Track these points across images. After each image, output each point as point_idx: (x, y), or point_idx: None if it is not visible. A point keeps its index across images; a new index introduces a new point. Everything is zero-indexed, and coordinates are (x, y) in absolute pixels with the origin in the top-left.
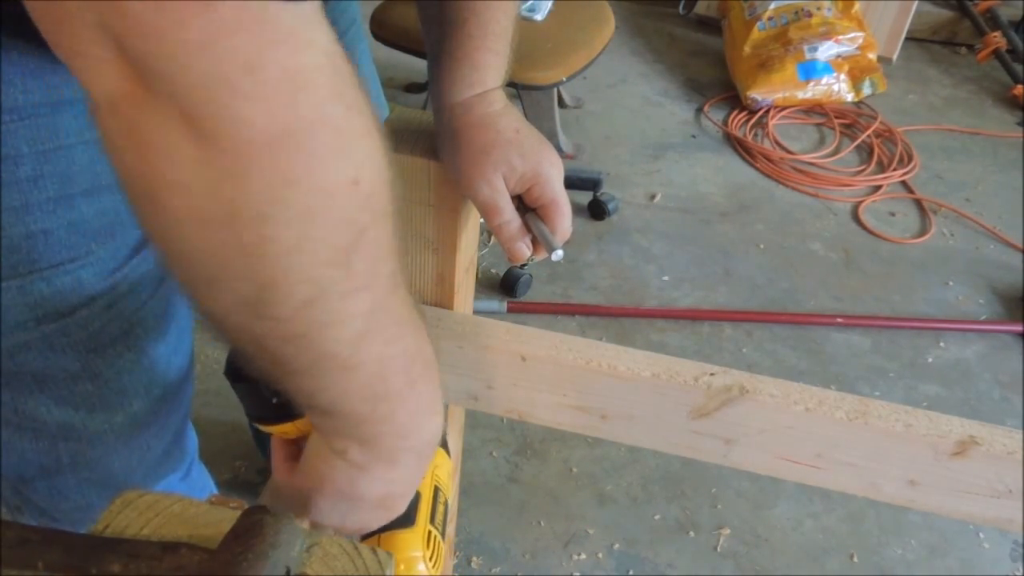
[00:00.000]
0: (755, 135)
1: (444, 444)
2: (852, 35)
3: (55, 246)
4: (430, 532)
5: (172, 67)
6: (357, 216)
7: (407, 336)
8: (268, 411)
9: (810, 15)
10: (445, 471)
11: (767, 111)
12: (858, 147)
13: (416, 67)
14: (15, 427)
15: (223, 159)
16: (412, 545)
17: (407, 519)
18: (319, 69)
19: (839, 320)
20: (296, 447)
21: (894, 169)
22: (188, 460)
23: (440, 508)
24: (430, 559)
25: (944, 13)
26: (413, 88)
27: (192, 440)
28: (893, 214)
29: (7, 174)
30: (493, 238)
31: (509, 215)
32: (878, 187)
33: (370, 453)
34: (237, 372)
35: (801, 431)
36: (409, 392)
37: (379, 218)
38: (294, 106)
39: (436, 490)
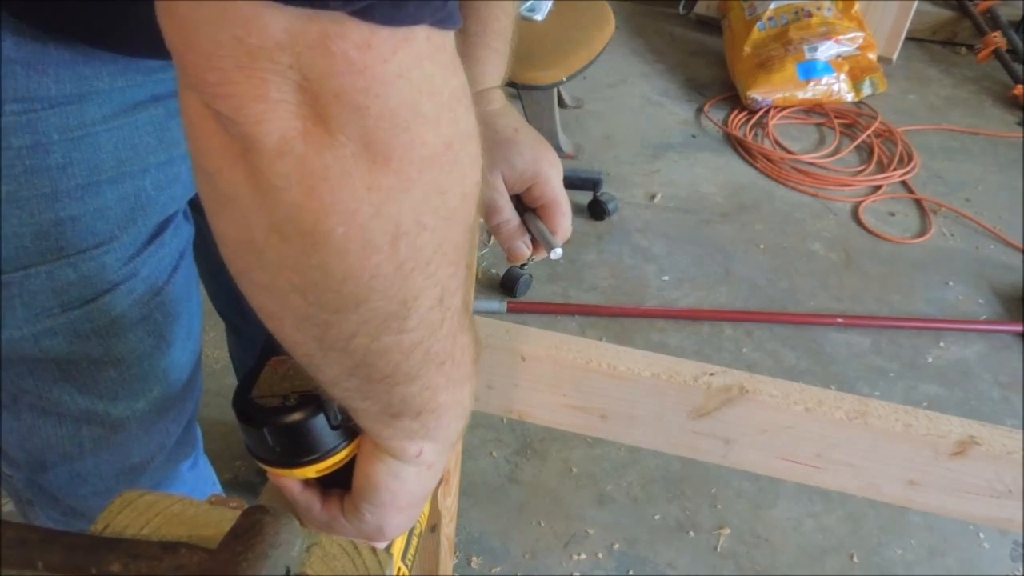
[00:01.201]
0: (755, 135)
1: None
2: (852, 35)
3: (82, 232)
4: (399, 570)
5: (365, 100)
6: (474, 216)
7: (470, 320)
8: (269, 455)
9: (810, 15)
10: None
11: (767, 111)
12: (858, 147)
13: None
14: (39, 412)
15: (391, 180)
16: None
17: None
18: (466, 85)
19: (839, 320)
20: (305, 484)
21: (894, 169)
22: (197, 448)
23: (413, 542)
24: None
25: (944, 13)
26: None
27: (198, 429)
28: (893, 214)
29: (38, 161)
30: (493, 238)
31: (508, 214)
32: (878, 187)
33: (439, 446)
34: (247, 413)
35: (801, 431)
36: (474, 372)
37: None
38: (456, 121)
39: None
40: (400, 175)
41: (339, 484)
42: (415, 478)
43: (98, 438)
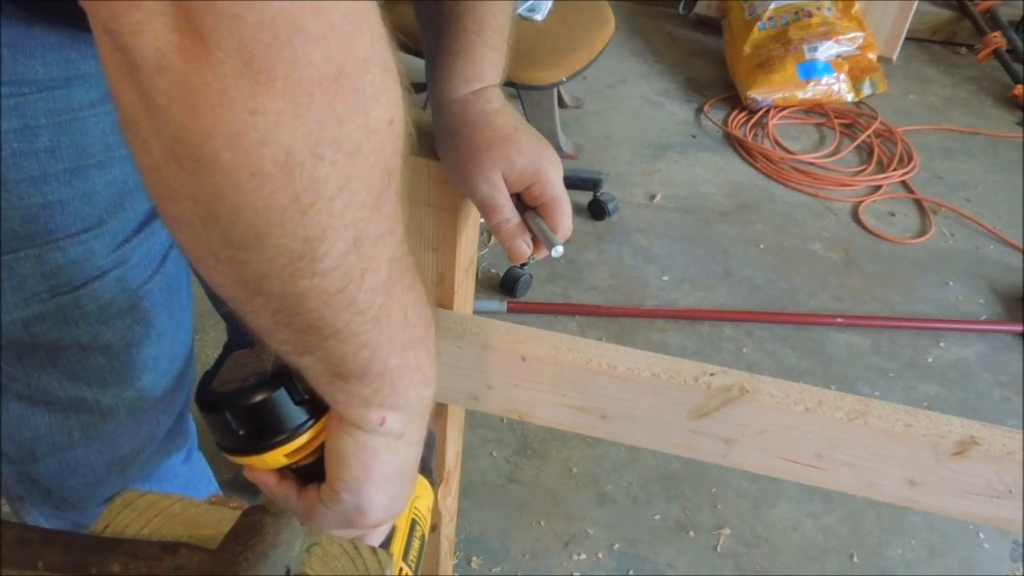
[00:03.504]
0: (755, 135)
1: (428, 473)
2: (852, 35)
3: (70, 217)
4: (401, 570)
5: (239, 9)
6: (390, 157)
7: (417, 282)
8: (235, 442)
9: (810, 15)
10: (425, 503)
11: (767, 111)
12: (858, 147)
13: (415, 67)
14: (28, 401)
15: (278, 103)
16: None
17: None
18: (371, 9)
19: (839, 320)
20: (281, 474)
21: (894, 169)
22: (189, 442)
23: (415, 544)
24: None
25: (944, 13)
26: (412, 88)
27: (192, 424)
28: (893, 214)
29: (26, 144)
30: (493, 238)
31: (508, 213)
32: (878, 187)
33: (405, 415)
34: (208, 400)
35: (801, 431)
36: (428, 336)
37: (401, 161)
38: (350, 45)
39: (413, 523)
40: (287, 98)
41: (315, 478)
42: (385, 449)
43: (87, 426)
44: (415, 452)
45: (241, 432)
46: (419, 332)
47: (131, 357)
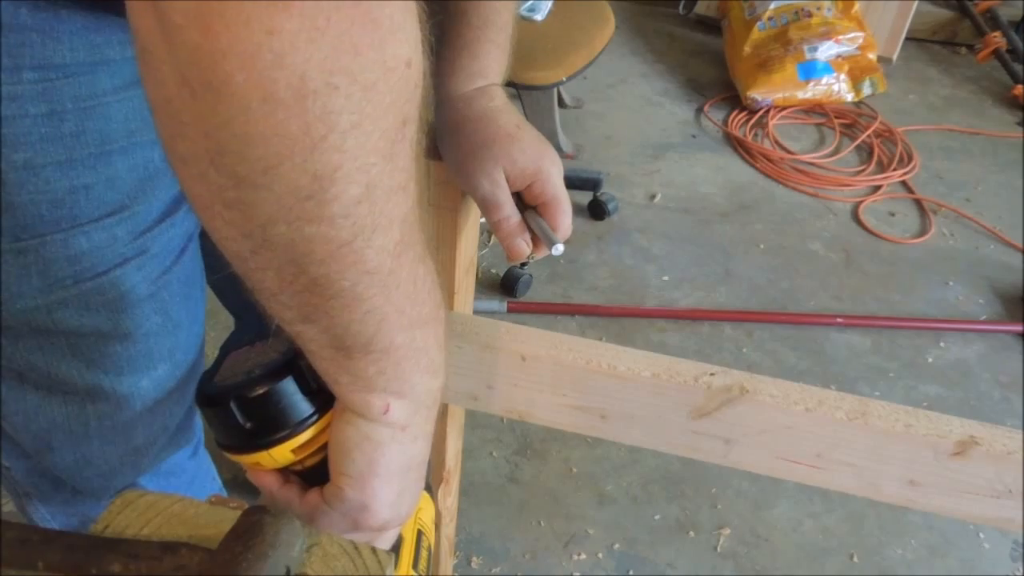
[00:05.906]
0: (755, 135)
1: (428, 488)
2: (852, 35)
3: (95, 201)
4: None
5: None
6: (405, 102)
7: (428, 256)
8: (240, 438)
9: (810, 15)
10: (429, 515)
11: (767, 111)
12: (858, 147)
13: None
14: (45, 391)
15: (295, 22)
16: None
17: None
18: None
19: (839, 320)
20: (284, 477)
21: (894, 169)
22: (197, 437)
23: (423, 554)
24: None
25: (944, 13)
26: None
27: (199, 419)
28: (893, 214)
29: (53, 129)
30: (493, 238)
31: (509, 211)
32: (878, 187)
33: (410, 404)
34: (211, 394)
35: (801, 431)
36: (437, 319)
37: (417, 113)
38: None
39: (419, 534)
40: (304, 19)
41: (319, 481)
42: (390, 441)
43: (103, 416)
44: (422, 448)
45: (248, 425)
46: (428, 311)
47: (148, 346)
